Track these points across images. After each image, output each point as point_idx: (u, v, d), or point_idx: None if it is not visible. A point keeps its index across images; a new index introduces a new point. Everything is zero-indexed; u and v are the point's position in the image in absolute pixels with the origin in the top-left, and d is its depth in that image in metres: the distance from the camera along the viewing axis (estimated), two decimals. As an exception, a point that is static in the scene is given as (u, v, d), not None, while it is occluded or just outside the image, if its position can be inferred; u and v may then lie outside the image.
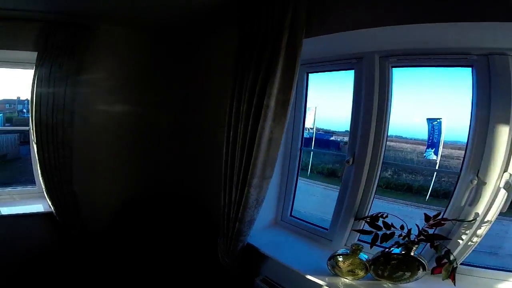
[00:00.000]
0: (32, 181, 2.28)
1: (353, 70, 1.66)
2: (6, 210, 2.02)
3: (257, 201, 1.65)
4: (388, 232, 1.44)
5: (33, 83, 1.86)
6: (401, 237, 1.40)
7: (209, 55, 2.27)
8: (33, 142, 1.88)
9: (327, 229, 1.89)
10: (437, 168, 2.57)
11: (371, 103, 1.56)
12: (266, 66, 1.47)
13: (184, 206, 2.36)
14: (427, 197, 2.90)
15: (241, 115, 1.60)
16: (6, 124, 3.11)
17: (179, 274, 2.02)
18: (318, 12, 1.45)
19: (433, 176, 2.96)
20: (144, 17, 2.02)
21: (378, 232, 1.47)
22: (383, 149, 1.60)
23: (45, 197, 2.00)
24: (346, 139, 3.03)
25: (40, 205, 2.15)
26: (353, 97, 1.67)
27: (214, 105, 2.17)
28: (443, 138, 2.46)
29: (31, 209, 2.09)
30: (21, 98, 2.98)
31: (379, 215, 1.51)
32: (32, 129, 1.87)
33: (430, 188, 2.91)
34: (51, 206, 1.98)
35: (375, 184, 1.65)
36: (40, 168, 1.89)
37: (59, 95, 1.88)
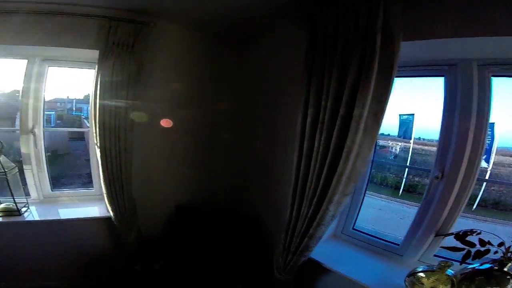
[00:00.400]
0: (80, 176, 2.26)
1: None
2: (65, 213, 2.00)
3: (333, 217, 1.55)
4: (482, 249, 1.36)
5: (96, 84, 1.79)
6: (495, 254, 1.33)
7: (270, 56, 2.14)
8: (96, 146, 1.81)
9: (395, 244, 1.78)
10: (487, 177, 2.36)
11: (469, 114, 1.41)
12: (355, 72, 1.34)
13: (234, 216, 2.27)
14: (474, 207, 2.71)
15: (320, 125, 1.48)
16: (57, 121, 3.20)
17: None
18: (415, 14, 1.32)
19: (481, 185, 2.76)
20: (202, 14, 1.94)
21: (470, 249, 1.39)
22: (479, 164, 1.45)
23: (103, 200, 1.96)
24: (381, 142, 2.87)
25: (95, 208, 2.13)
26: (444, 107, 1.52)
27: (275, 112, 2.07)
28: (496, 144, 2.25)
29: (89, 213, 2.06)
30: (69, 97, 3.07)
31: (468, 232, 1.42)
32: (95, 132, 1.80)
33: (478, 198, 2.72)
34: (110, 211, 1.93)
35: (466, 200, 1.52)
36: (103, 173, 1.83)
37: (122, 97, 1.81)
